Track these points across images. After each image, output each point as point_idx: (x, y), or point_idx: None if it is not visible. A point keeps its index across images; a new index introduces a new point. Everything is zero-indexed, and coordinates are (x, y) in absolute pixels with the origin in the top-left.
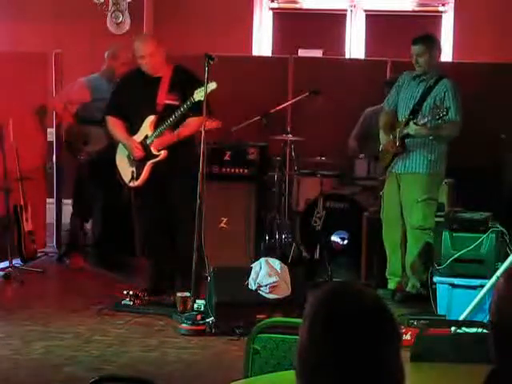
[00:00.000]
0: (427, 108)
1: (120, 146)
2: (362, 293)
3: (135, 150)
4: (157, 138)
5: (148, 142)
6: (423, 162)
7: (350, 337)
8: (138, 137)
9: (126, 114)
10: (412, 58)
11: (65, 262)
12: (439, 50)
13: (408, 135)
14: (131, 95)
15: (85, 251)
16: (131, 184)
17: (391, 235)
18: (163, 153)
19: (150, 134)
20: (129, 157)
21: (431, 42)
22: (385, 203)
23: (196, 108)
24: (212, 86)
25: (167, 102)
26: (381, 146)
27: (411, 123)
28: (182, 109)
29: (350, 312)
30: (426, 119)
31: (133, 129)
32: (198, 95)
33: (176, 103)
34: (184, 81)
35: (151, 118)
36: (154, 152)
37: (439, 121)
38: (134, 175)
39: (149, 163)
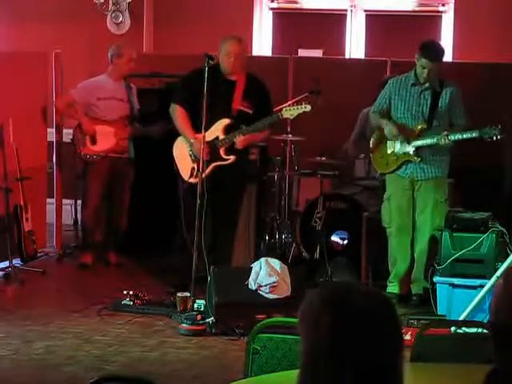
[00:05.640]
0: (440, 116)
1: (180, 140)
2: (370, 293)
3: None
4: (227, 143)
5: (218, 144)
6: (442, 166)
7: (360, 337)
8: (208, 136)
9: (194, 107)
10: (422, 70)
11: (77, 259)
12: None
13: (426, 145)
14: (205, 92)
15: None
16: (191, 180)
17: (404, 240)
18: (232, 158)
19: (221, 136)
20: (191, 153)
21: (444, 55)
22: (396, 209)
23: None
24: (307, 108)
25: (241, 108)
26: (384, 150)
27: (444, 138)
28: (266, 121)
29: (360, 311)
30: (457, 136)
31: (196, 124)
32: (287, 113)
33: (249, 111)
34: (258, 92)
35: (226, 121)
36: (223, 155)
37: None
38: (195, 172)
39: (214, 164)
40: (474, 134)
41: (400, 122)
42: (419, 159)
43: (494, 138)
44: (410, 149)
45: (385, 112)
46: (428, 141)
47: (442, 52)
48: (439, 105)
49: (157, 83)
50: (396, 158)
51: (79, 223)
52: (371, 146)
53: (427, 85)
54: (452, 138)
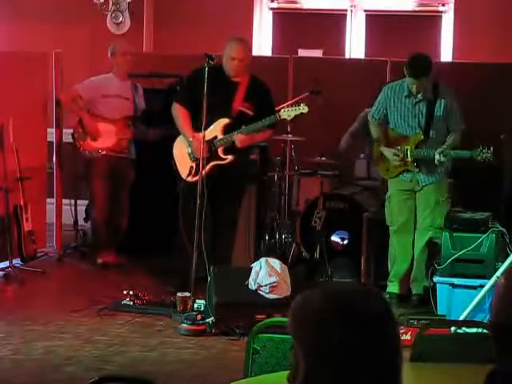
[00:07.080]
0: (436, 125)
1: (180, 139)
2: (368, 292)
3: (200, 150)
4: (225, 143)
5: (216, 143)
6: (442, 171)
7: (362, 337)
8: (207, 135)
9: (195, 106)
10: (412, 86)
11: (95, 260)
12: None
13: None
14: (205, 91)
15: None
16: (189, 179)
17: (404, 240)
18: (230, 157)
19: (219, 136)
20: (190, 152)
21: (432, 68)
22: (397, 208)
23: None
24: (304, 109)
25: (242, 108)
26: (386, 157)
27: (440, 155)
28: (263, 121)
29: (361, 311)
30: (451, 154)
31: (197, 123)
32: (285, 114)
33: (249, 112)
34: (260, 94)
35: (225, 121)
36: (221, 155)
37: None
38: (193, 171)
39: (211, 163)
40: (466, 156)
41: (398, 131)
42: (418, 170)
43: (486, 160)
44: (409, 160)
45: (383, 119)
46: (425, 153)
47: (426, 66)
48: (434, 115)
49: (157, 83)
50: (395, 168)
51: (90, 224)
52: (374, 152)
53: (420, 96)
54: (445, 157)
